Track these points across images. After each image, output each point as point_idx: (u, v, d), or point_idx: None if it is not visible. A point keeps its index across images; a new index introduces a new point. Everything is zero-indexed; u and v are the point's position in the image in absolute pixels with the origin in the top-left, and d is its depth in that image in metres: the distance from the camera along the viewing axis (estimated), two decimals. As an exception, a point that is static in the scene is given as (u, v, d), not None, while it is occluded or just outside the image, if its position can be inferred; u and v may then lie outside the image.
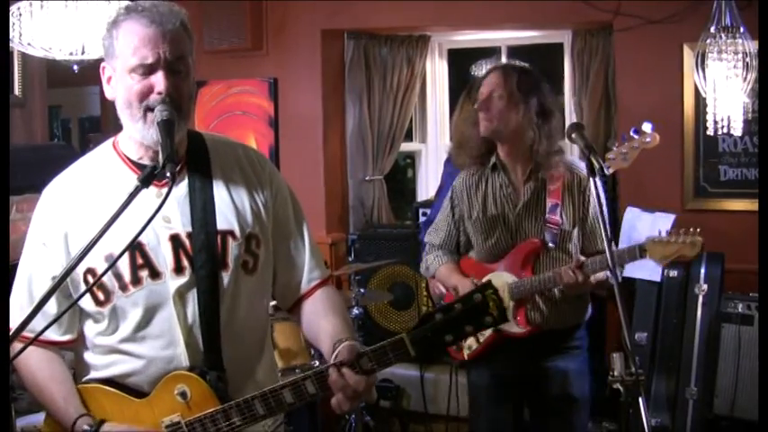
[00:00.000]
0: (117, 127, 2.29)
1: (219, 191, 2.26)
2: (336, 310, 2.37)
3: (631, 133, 4.02)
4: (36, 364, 2.25)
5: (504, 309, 2.07)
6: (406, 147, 6.30)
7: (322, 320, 2.33)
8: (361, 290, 4.82)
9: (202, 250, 2.19)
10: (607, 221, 2.79)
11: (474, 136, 3.51)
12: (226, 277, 2.22)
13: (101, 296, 2.20)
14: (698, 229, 3.26)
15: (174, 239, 2.20)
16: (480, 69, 6.79)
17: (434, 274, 3.74)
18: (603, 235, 2.69)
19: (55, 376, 2.27)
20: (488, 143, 3.51)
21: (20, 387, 2.87)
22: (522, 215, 3.46)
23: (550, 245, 3.42)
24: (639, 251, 3.28)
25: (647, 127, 4.01)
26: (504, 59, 6.23)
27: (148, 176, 2.00)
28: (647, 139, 4.02)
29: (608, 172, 4.07)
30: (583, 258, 3.32)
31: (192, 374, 2.17)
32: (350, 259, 5.69)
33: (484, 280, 3.48)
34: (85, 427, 2.16)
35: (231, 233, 2.24)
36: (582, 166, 3.50)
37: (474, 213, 3.55)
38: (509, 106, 3.39)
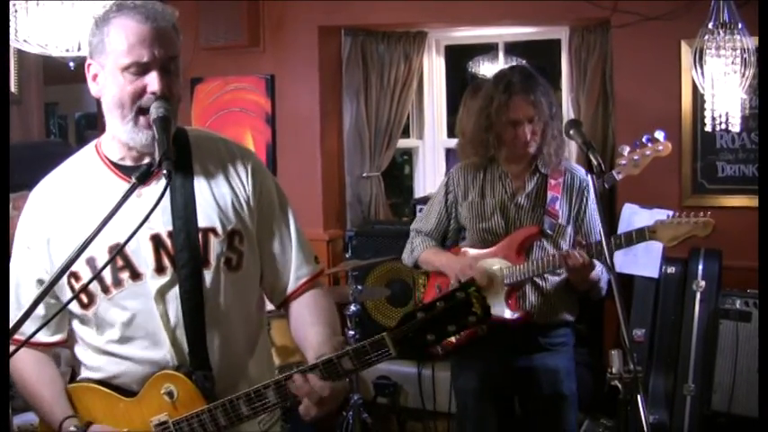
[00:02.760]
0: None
1: (200, 187, 2.24)
2: (322, 317, 2.33)
3: (644, 140, 4.02)
4: (23, 366, 2.25)
5: (488, 307, 2.02)
6: (403, 143, 6.29)
7: (308, 329, 2.30)
8: (359, 286, 4.81)
9: (184, 249, 2.17)
10: (603, 217, 2.79)
11: (483, 139, 3.51)
12: (208, 275, 2.20)
13: (84, 299, 2.19)
14: (708, 212, 3.26)
15: (155, 239, 2.18)
16: (478, 66, 6.80)
17: (418, 257, 3.74)
18: (601, 229, 2.69)
19: (42, 378, 2.27)
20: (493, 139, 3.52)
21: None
22: (519, 204, 3.48)
23: (548, 232, 3.42)
24: (648, 233, 3.27)
25: (659, 135, 4.02)
26: (501, 56, 6.24)
27: (145, 173, 2.00)
28: (660, 148, 4.03)
29: (618, 178, 4.08)
30: (584, 241, 3.33)
31: (178, 374, 2.17)
32: (347, 256, 5.68)
33: (478, 264, 3.50)
34: (72, 429, 2.16)
35: (213, 230, 2.22)
36: (579, 170, 3.52)
37: (470, 196, 3.56)
38: (546, 133, 3.42)
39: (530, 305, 3.47)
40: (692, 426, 4.45)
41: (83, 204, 2.19)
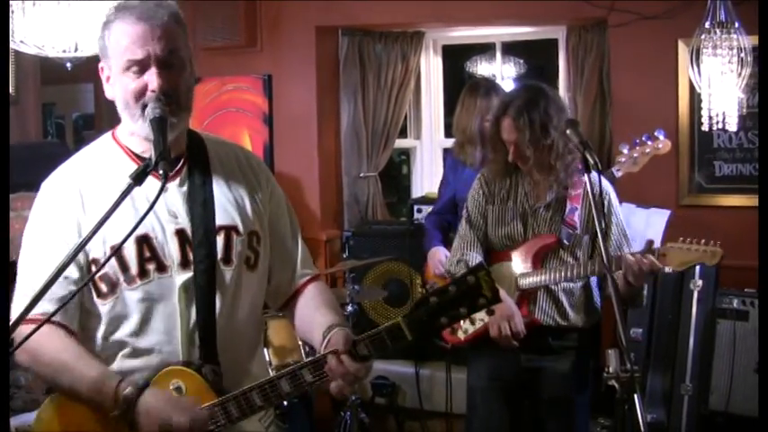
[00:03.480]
0: (111, 124, 2.30)
1: (221, 187, 2.29)
2: (328, 303, 2.38)
3: (644, 139, 4.04)
4: (60, 343, 2.15)
5: (497, 290, 2.07)
6: (400, 143, 6.29)
7: (314, 314, 2.34)
8: (356, 287, 4.81)
9: (202, 245, 2.20)
10: (602, 216, 2.79)
11: (502, 151, 3.51)
12: (229, 272, 2.24)
13: (104, 288, 2.17)
14: (718, 242, 3.25)
15: (181, 234, 2.21)
16: (475, 66, 6.80)
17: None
18: (598, 229, 2.69)
19: (79, 351, 2.16)
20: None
21: (14, 385, 2.85)
22: (539, 212, 3.48)
23: (565, 242, 3.43)
24: (658, 256, 3.27)
25: (659, 133, 4.04)
26: (498, 56, 6.24)
27: (141, 174, 2.00)
28: (660, 146, 4.07)
29: (618, 175, 4.10)
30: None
31: (186, 369, 2.17)
32: (344, 256, 5.68)
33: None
34: (128, 391, 2.08)
35: (235, 229, 2.27)
36: (603, 181, 3.49)
37: (496, 200, 3.57)
38: (538, 151, 3.40)
39: (540, 310, 3.47)
40: (690, 425, 4.44)
41: (110, 192, 2.13)
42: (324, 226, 5.86)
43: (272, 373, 2.22)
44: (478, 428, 3.67)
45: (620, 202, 4.61)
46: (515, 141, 3.41)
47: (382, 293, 5.19)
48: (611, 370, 2.45)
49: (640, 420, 2.37)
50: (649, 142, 4.10)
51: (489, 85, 4.60)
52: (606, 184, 3.51)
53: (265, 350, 4.32)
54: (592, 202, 2.74)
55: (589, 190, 2.70)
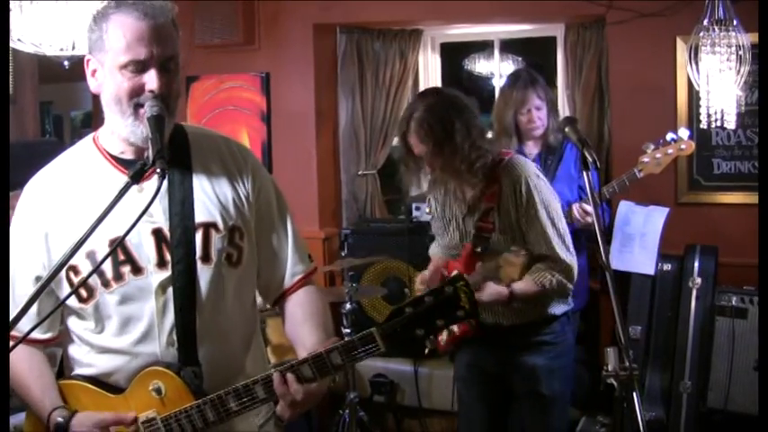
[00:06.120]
0: (109, 122, 2.28)
1: (201, 184, 2.25)
2: (315, 315, 2.36)
3: (668, 139, 4.03)
4: (15, 357, 2.21)
5: (476, 301, 2.04)
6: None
7: (301, 328, 2.33)
8: (355, 285, 4.80)
9: (180, 245, 2.18)
10: (601, 215, 2.78)
11: (418, 164, 3.49)
12: (208, 271, 2.21)
13: (83, 293, 2.19)
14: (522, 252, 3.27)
15: (157, 234, 2.19)
16: (473, 64, 6.80)
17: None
18: (597, 229, 2.68)
19: (33, 369, 2.26)
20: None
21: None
22: (467, 218, 3.46)
23: (477, 250, 3.39)
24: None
25: (683, 133, 4.03)
26: (496, 53, 6.23)
27: (139, 172, 1.99)
28: (683, 146, 4.07)
29: (640, 176, 4.10)
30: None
31: (166, 371, 2.18)
32: (343, 254, 5.66)
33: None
34: (59, 419, 2.16)
35: (214, 225, 2.23)
36: (516, 168, 3.38)
37: (435, 212, 3.60)
38: (446, 159, 3.34)
39: (495, 312, 3.44)
40: (689, 423, 4.45)
41: (82, 197, 2.19)
42: (322, 224, 5.85)
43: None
44: (464, 418, 3.68)
45: (619, 200, 4.63)
46: (423, 154, 3.37)
47: (381, 291, 5.19)
48: (609, 368, 2.44)
49: (639, 418, 2.37)
50: (673, 143, 4.09)
51: (528, 78, 4.46)
52: (529, 165, 3.43)
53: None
54: (590, 200, 2.73)
55: (587, 188, 2.69)
